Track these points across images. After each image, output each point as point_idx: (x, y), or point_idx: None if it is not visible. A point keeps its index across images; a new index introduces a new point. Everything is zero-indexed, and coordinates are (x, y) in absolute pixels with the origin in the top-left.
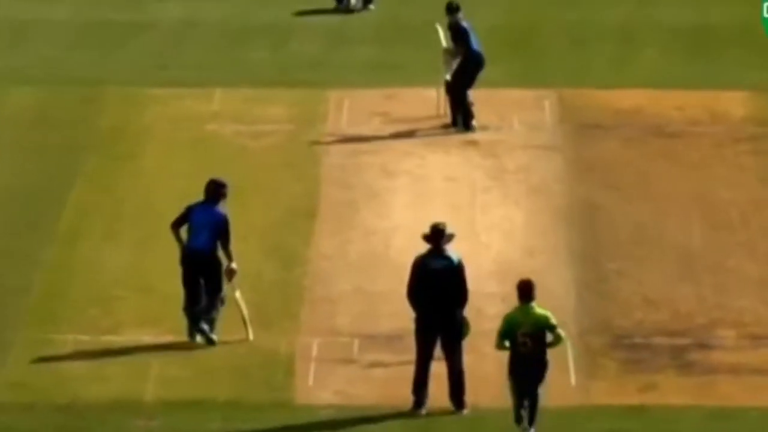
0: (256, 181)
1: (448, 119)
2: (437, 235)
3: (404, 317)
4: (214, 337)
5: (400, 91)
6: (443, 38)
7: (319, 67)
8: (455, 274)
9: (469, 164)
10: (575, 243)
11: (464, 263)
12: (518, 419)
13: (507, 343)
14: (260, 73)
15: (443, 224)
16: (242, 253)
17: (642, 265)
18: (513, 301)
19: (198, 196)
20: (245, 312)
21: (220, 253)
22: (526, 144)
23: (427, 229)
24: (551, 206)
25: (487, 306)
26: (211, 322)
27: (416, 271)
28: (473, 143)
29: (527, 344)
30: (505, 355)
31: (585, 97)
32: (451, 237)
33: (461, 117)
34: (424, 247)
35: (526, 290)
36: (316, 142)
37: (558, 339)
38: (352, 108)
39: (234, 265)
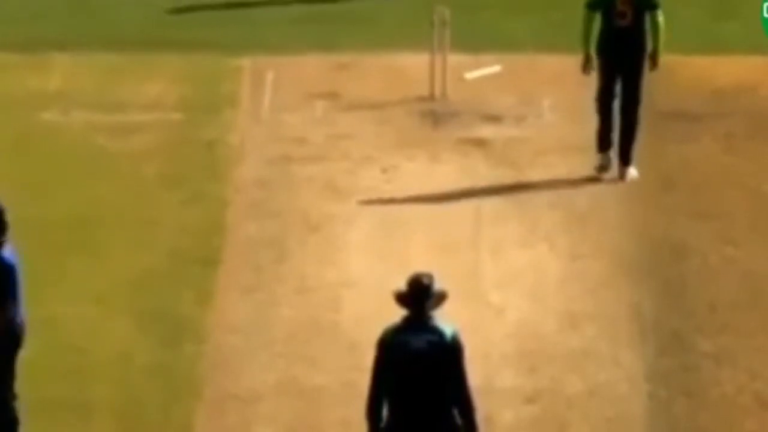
0: (119, 206)
1: (444, 103)
2: (419, 295)
3: (363, 428)
4: None
5: (358, 59)
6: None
7: (224, 18)
8: (448, 358)
9: (470, 177)
10: (646, 308)
11: (463, 341)
12: (603, 143)
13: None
14: (127, 30)
15: (429, 276)
16: (97, 325)
17: (754, 344)
18: (543, 404)
19: (19, 226)
20: None
21: None
22: (563, 144)
23: (402, 285)
24: (606, 247)
25: (501, 410)
26: None
27: (385, 354)
28: (478, 143)
29: (626, 16)
30: None
31: (660, 67)
32: (441, 297)
33: None
34: (396, 314)
35: None
36: (220, 142)
37: (656, 27)
38: (278, 85)
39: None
